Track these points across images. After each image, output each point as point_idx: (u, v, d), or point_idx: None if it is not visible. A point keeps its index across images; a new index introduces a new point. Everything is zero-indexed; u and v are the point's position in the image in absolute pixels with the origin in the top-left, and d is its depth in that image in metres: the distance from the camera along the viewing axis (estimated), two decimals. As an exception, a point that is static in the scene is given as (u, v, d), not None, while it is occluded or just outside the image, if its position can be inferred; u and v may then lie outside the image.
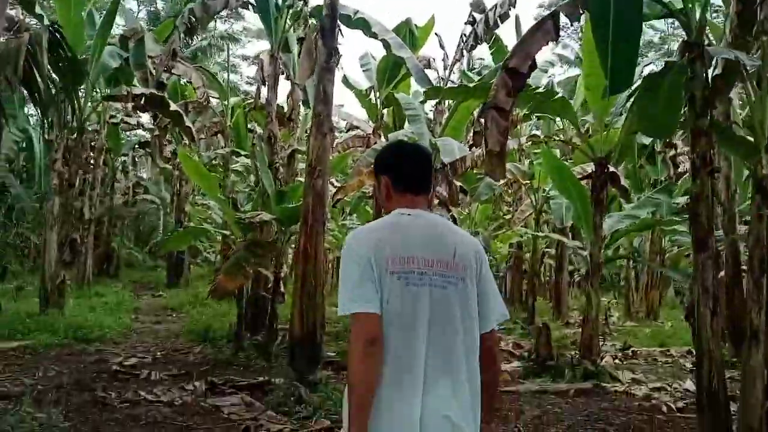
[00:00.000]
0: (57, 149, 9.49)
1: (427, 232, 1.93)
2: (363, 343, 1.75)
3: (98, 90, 11.03)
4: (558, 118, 11.97)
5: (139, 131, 24.66)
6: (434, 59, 13.34)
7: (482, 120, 4.69)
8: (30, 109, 19.07)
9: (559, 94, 7.79)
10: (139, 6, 29.45)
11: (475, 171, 10.66)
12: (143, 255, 24.40)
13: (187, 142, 13.48)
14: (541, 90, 7.80)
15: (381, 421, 1.74)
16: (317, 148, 5.81)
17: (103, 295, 13.43)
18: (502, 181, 11.57)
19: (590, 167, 8.36)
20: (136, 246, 25.77)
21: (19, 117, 14.79)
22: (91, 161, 13.02)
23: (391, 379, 1.77)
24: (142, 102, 9.95)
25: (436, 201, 9.81)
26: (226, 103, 13.14)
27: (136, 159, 25.85)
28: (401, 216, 1.96)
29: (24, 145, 14.63)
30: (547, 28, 4.40)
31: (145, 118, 21.64)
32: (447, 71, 12.07)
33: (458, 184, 10.26)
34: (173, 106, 10.42)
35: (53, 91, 9.24)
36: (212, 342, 8.39)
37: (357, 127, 13.85)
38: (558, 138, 11.79)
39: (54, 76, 9.23)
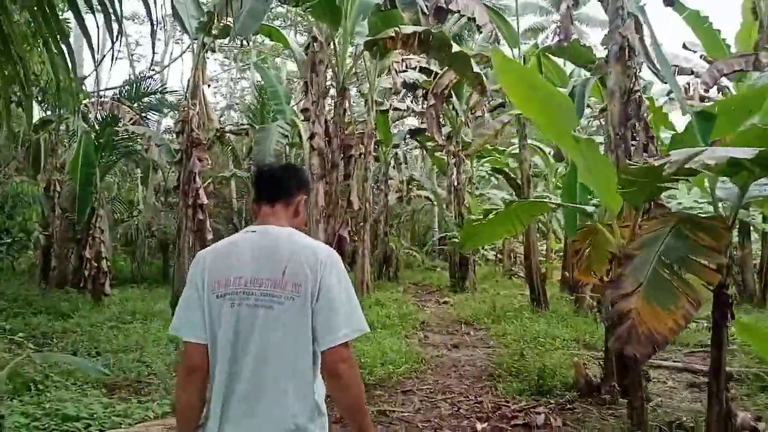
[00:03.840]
0: (314, 119, 7.17)
1: (261, 249, 1.86)
2: (182, 372, 1.86)
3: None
4: None
5: (412, 121, 23.18)
6: None
7: None
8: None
9: None
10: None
11: None
12: (421, 255, 22.73)
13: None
14: None
15: None
16: None
17: (383, 304, 11.34)
18: None
19: None
20: (410, 245, 24.28)
21: (286, 111, 13.64)
22: (361, 144, 10.73)
23: (213, 409, 1.81)
24: (415, 43, 7.18)
25: None
26: (516, 50, 9.86)
27: (407, 153, 24.37)
28: (245, 234, 1.95)
29: (294, 138, 13.27)
30: None
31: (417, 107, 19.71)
32: None
33: None
34: (456, 47, 7.47)
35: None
36: (550, 395, 5.09)
37: None
38: None
39: None
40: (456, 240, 15.14)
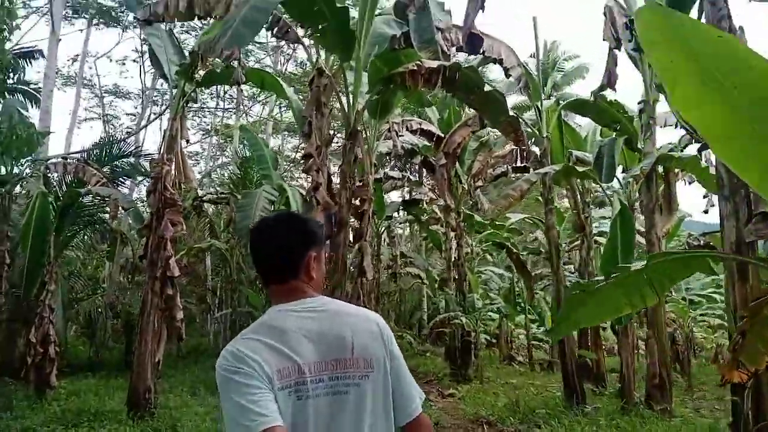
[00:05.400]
0: (318, 168, 5.80)
1: (316, 328, 1.57)
2: None
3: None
4: None
5: (395, 195, 21.87)
6: None
7: None
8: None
9: None
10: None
11: None
12: (412, 337, 20.92)
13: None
14: None
15: None
16: None
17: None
18: None
19: None
20: (396, 326, 22.46)
21: (272, 175, 12.37)
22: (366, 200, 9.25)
23: None
24: (440, 80, 5.98)
25: None
26: (539, 104, 8.74)
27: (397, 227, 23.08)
28: (281, 314, 1.60)
29: (280, 205, 11.88)
30: None
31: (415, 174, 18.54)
32: None
33: None
34: (488, 87, 6.30)
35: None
36: None
37: None
38: None
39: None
40: (459, 321, 13.56)
